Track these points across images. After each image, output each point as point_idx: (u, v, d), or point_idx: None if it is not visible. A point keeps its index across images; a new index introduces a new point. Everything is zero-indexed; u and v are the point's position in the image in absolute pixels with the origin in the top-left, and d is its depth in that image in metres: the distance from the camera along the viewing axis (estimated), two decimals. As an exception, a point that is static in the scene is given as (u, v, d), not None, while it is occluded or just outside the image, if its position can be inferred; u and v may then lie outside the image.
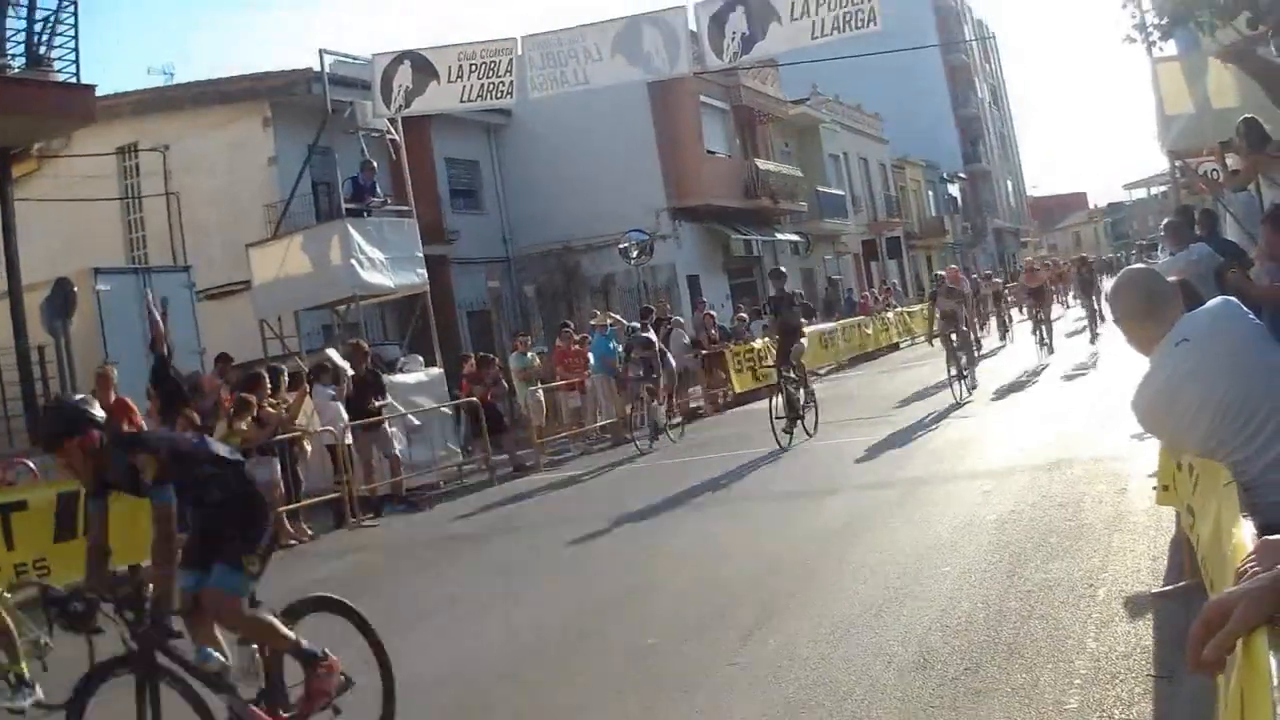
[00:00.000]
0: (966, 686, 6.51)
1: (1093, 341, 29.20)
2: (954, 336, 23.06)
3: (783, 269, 22.83)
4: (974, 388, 22.86)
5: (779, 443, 18.70)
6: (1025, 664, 6.72)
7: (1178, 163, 20.95)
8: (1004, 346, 36.72)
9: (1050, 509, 10.98)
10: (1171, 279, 5.54)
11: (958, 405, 21.04)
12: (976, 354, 28.03)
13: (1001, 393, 22.56)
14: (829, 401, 22.89)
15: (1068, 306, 35.19)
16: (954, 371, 22.39)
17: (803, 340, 20.91)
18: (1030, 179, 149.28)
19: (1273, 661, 2.20)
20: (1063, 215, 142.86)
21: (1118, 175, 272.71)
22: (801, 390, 19.99)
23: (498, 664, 8.59)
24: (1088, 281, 33.57)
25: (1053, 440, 15.35)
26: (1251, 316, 5.09)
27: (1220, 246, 12.29)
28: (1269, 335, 5.12)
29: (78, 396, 7.15)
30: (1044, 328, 29.18)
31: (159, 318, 18.80)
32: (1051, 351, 28.62)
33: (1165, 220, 14.84)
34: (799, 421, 19.60)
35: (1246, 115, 13.56)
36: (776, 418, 19.10)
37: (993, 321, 41.00)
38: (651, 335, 24.34)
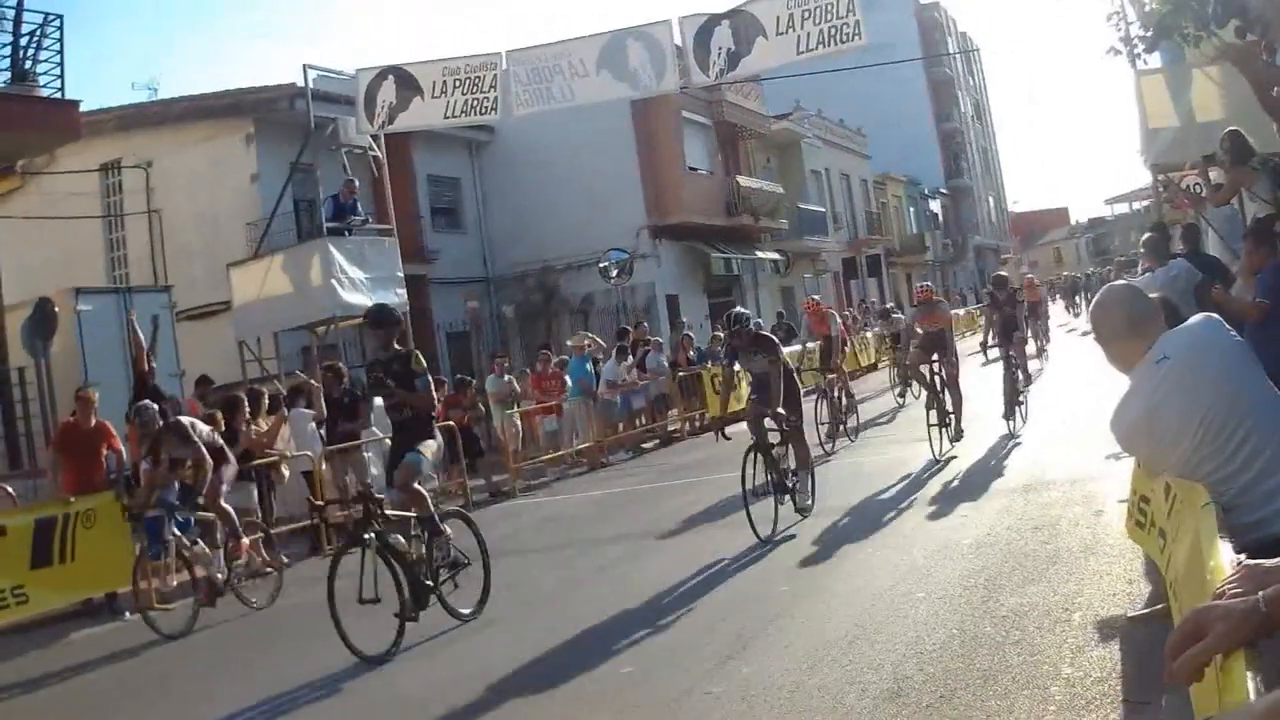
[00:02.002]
0: (940, 715, 6.49)
1: (1009, 415, 18.70)
2: (769, 423, 13.68)
3: (392, 309, 12.97)
4: (806, 512, 13.76)
5: (352, 648, 9.91)
6: (1000, 691, 6.69)
7: (1160, 177, 20.96)
8: (901, 408, 25.71)
9: (1026, 533, 11.00)
10: (1152, 296, 5.48)
11: (765, 544, 12.54)
12: (842, 431, 21.48)
13: (834, 540, 12.45)
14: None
15: (987, 356, 20.49)
16: (758, 482, 13.23)
17: (427, 447, 11.47)
18: (1012, 195, 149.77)
19: (1250, 685, 2.21)
20: (1044, 231, 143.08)
21: (1099, 190, 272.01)
22: (422, 546, 11.16)
23: (472, 694, 8.51)
24: (1009, 320, 20.92)
25: (1029, 463, 15.39)
26: (1233, 333, 5.05)
27: (1202, 262, 12.25)
28: (1250, 352, 5.07)
29: None
30: (945, 397, 18.12)
31: (143, 336, 18.72)
32: (959, 437, 18.05)
33: (1144, 236, 14.78)
34: (432, 601, 10.89)
35: (1230, 128, 13.54)
36: (361, 600, 10.09)
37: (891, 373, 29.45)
38: (200, 434, 14.09)
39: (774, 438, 13.76)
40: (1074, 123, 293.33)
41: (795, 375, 14.92)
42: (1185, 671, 2.26)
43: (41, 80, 19.26)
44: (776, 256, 48.15)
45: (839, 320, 24.17)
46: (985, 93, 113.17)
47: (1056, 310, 58.44)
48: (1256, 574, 2.39)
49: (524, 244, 39.07)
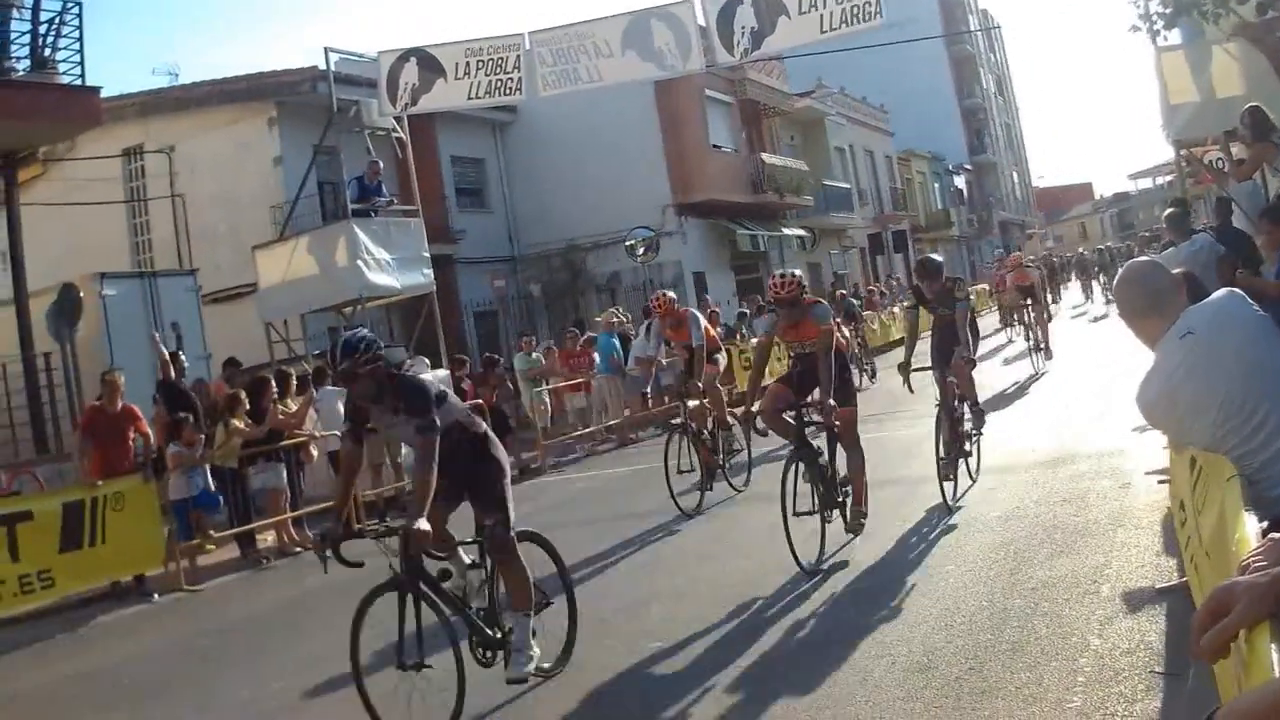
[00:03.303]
0: (970, 686, 6.52)
1: (946, 475, 12.04)
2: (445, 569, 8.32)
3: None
4: (522, 680, 7.84)
5: None
6: (1029, 662, 6.72)
7: (1183, 153, 20.89)
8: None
9: (1053, 505, 11.00)
10: (1176, 271, 5.48)
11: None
12: (722, 474, 15.28)
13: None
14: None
15: (910, 385, 12.75)
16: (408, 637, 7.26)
17: None
18: (1036, 170, 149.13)
19: (1275, 656, 2.20)
20: (1068, 206, 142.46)
21: (1123, 165, 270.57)
22: None
23: (498, 668, 8.53)
24: (947, 329, 13.28)
25: (1055, 437, 15.29)
26: (1255, 307, 5.05)
27: (1231, 237, 12.26)
28: (1274, 327, 5.07)
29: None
30: (831, 463, 10.92)
31: (164, 350, 18.75)
32: (857, 527, 10.93)
33: (1166, 212, 14.76)
34: None
35: (1251, 104, 13.52)
36: None
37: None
38: None
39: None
40: (1097, 97, 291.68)
41: (488, 440, 8.72)
42: (1211, 649, 2.28)
43: (61, 68, 19.30)
44: (802, 233, 47.92)
45: (703, 323, 16.18)
46: (1007, 69, 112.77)
47: (1072, 291, 56.97)
48: (1280, 547, 2.42)
49: (549, 223, 38.97)
